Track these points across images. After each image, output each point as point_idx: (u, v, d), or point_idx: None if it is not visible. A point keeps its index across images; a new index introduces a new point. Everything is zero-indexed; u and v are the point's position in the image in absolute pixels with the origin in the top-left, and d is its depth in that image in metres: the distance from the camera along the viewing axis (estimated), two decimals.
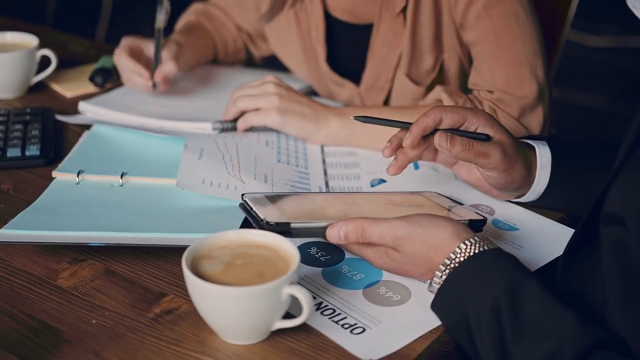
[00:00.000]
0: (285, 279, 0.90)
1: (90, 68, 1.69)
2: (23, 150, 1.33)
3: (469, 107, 1.21)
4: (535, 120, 1.34)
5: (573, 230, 1.16)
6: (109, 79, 1.62)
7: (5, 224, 1.14)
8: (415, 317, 0.99)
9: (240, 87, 1.43)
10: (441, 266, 0.97)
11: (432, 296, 1.00)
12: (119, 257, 1.08)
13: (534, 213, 1.21)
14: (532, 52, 1.34)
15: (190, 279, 0.90)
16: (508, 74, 1.34)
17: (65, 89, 1.62)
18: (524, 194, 1.19)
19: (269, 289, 0.89)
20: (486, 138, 1.12)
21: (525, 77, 1.33)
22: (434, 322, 0.98)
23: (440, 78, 1.50)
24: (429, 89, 1.49)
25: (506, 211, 1.22)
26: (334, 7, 1.55)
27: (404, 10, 1.44)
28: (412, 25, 1.44)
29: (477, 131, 1.13)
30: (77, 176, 1.24)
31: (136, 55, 1.53)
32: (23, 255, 1.09)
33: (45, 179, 1.28)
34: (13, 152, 1.32)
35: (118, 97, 1.57)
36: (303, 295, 0.90)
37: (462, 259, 0.96)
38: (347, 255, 1.10)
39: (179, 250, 0.98)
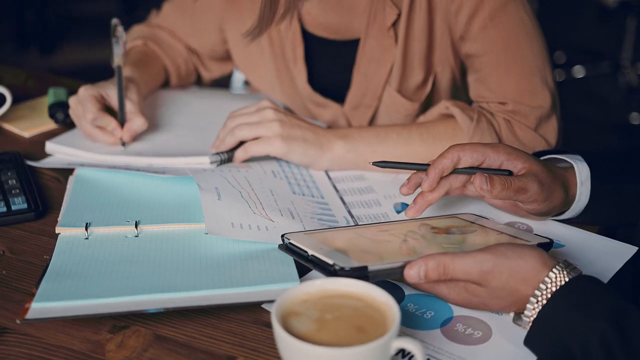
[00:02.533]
0: (393, 332, 0.82)
1: (40, 102, 1.55)
2: (8, 205, 1.18)
3: (487, 143, 1.17)
4: (552, 130, 1.32)
5: (620, 243, 1.14)
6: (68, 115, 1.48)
7: (14, 292, 1.01)
8: (506, 354, 0.93)
9: (233, 115, 1.33)
10: (532, 298, 0.92)
11: (515, 330, 0.95)
12: (164, 320, 0.97)
13: (572, 227, 1.18)
14: (541, 61, 1.31)
15: (292, 343, 0.81)
16: (520, 84, 1.30)
17: (22, 129, 1.47)
18: (563, 212, 1.16)
19: (381, 345, 0.81)
20: (509, 174, 1.09)
21: (538, 86, 1.30)
22: (528, 358, 0.92)
23: (431, 92, 1.45)
24: (424, 104, 1.44)
25: (544, 228, 1.18)
26: (312, 23, 1.47)
27: (394, 24, 1.38)
28: (404, 39, 1.38)
29: (502, 167, 1.10)
30: (86, 230, 1.11)
31: (99, 107, 1.37)
32: (54, 328, 0.96)
33: (41, 235, 1.14)
34: None
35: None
36: (416, 348, 0.83)
37: (553, 288, 0.91)
38: (407, 292, 1.03)
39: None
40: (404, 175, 1.32)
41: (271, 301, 0.95)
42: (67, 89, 1.56)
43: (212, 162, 1.30)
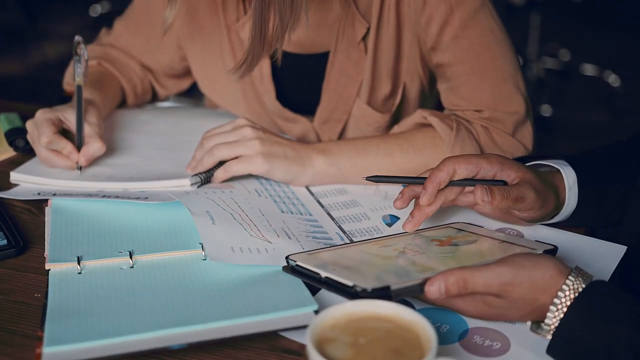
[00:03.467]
0: (433, 353, 0.81)
1: None
2: None
3: (480, 154, 1.17)
4: (528, 135, 1.33)
5: (610, 243, 1.16)
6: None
7: (13, 335, 0.96)
8: None
9: (209, 134, 1.30)
10: (552, 307, 0.93)
11: (533, 339, 0.96)
12: (179, 355, 0.93)
13: (561, 231, 1.20)
14: (512, 67, 1.33)
15: None
16: (494, 91, 1.31)
17: None
18: (552, 217, 1.17)
19: None
20: (503, 184, 1.10)
21: (512, 93, 1.32)
22: None
23: (400, 103, 1.45)
24: (394, 115, 1.44)
25: (535, 233, 1.19)
26: None
27: (364, 37, 1.38)
28: (373, 52, 1.38)
29: (496, 177, 1.11)
30: (78, 264, 1.06)
31: (55, 130, 1.31)
32: None
33: (26, 272, 1.09)
34: None
35: None
36: None
37: (572, 296, 0.92)
38: (417, 306, 1.03)
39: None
40: (385, 187, 1.32)
41: (294, 328, 0.94)
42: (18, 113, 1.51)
43: (192, 184, 1.27)
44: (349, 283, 0.94)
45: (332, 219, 1.23)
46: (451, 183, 1.11)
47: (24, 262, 1.11)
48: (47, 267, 1.06)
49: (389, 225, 1.22)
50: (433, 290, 0.94)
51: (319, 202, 1.28)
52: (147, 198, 1.20)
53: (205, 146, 1.28)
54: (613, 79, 4.14)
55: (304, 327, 0.93)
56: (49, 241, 1.12)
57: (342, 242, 1.16)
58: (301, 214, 1.23)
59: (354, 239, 1.17)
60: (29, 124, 1.33)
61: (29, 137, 1.34)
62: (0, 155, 1.41)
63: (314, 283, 1.00)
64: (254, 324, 0.95)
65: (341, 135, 1.48)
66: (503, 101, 1.31)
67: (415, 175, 1.17)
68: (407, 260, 1.02)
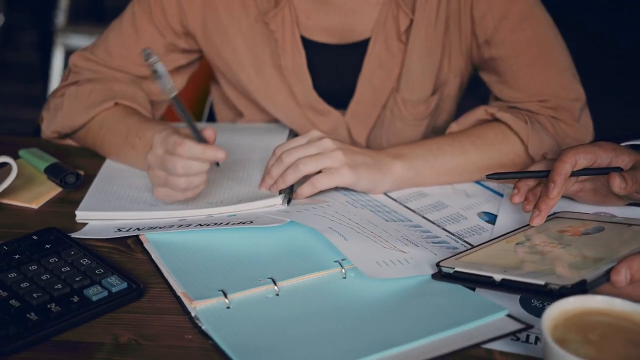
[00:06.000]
0: None
1: (19, 167, 1.35)
2: (105, 288, 1.03)
3: (594, 143, 1.18)
4: (589, 120, 1.38)
5: None
6: (79, 175, 1.32)
7: None
8: None
9: (286, 150, 1.25)
10: None
11: None
12: None
13: None
14: (568, 57, 1.37)
15: None
16: (557, 81, 1.35)
17: (26, 200, 1.28)
18: None
19: None
20: (620, 170, 1.13)
21: (572, 81, 1.36)
22: None
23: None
24: (434, 111, 1.45)
25: (628, 213, 1.23)
26: (313, 28, 1.42)
27: (406, 30, 1.38)
28: (416, 46, 1.38)
29: (611, 164, 1.14)
30: (226, 298, 1.00)
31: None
32: None
33: (159, 314, 1.02)
34: (98, 294, 1.02)
35: (108, 192, 1.28)
36: None
37: None
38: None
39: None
40: (462, 185, 1.33)
41: (499, 337, 0.93)
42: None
43: (283, 202, 1.22)
44: (540, 282, 0.93)
45: (432, 222, 1.22)
46: (572, 173, 1.13)
47: (149, 304, 1.04)
48: (193, 306, 1.00)
49: (490, 222, 1.23)
50: (620, 278, 0.95)
51: (406, 207, 1.26)
52: (252, 222, 1.15)
53: (285, 161, 1.24)
54: None
55: (506, 335, 0.93)
56: (176, 279, 1.05)
57: (466, 245, 1.15)
58: (402, 221, 1.21)
59: (466, 240, 1.17)
60: (151, 156, 1.19)
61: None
62: (46, 194, 1.30)
63: (481, 287, 0.99)
64: (449, 340, 0.92)
65: (372, 131, 1.47)
66: (566, 89, 1.35)
67: (504, 171, 1.21)
68: (564, 254, 1.03)
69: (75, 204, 1.26)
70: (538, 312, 1.00)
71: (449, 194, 1.30)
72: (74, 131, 1.43)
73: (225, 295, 1.00)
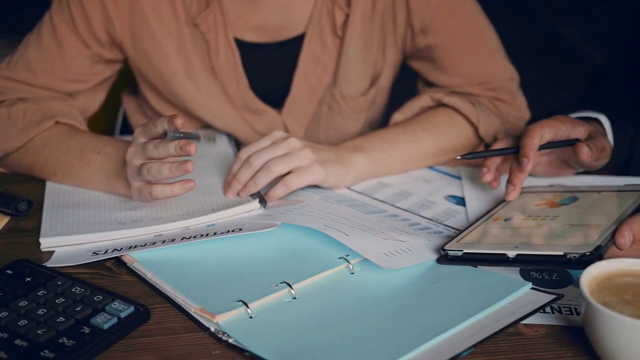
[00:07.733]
0: None
1: None
2: (113, 314, 0.97)
3: (554, 117, 1.22)
4: (523, 99, 1.44)
5: None
6: (32, 202, 1.24)
7: None
8: None
9: (253, 152, 1.22)
10: None
11: None
12: None
13: (602, 176, 1.31)
14: (497, 38, 1.42)
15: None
16: (492, 63, 1.40)
17: None
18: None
19: None
20: (577, 141, 1.19)
21: (505, 62, 1.42)
22: None
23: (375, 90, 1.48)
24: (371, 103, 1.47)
25: (576, 182, 1.29)
26: (244, 28, 1.40)
27: (342, 23, 1.38)
28: (352, 40, 1.39)
29: (570, 136, 1.20)
30: (248, 308, 0.97)
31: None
32: None
33: (175, 334, 0.97)
34: (108, 322, 0.96)
35: (65, 215, 1.21)
36: None
37: None
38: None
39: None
40: (418, 172, 1.35)
41: (532, 313, 0.95)
42: None
43: (261, 207, 1.20)
44: (559, 252, 0.97)
45: (407, 211, 1.23)
46: (540, 147, 1.18)
47: (159, 325, 0.98)
48: (215, 320, 0.96)
49: (459, 204, 1.26)
50: (625, 241, 1.00)
51: (374, 199, 1.27)
52: (241, 230, 1.12)
53: (254, 164, 1.21)
54: None
55: (543, 307, 0.96)
56: (185, 296, 1.00)
57: (448, 229, 1.17)
58: (379, 212, 1.22)
59: (445, 224, 1.19)
60: (131, 152, 1.14)
61: (133, 166, 1.14)
62: None
63: (494, 264, 1.02)
64: (492, 317, 0.94)
65: (308, 128, 1.47)
66: (502, 70, 1.41)
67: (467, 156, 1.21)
68: (559, 225, 1.08)
69: (29, 232, 1.18)
70: (539, 283, 1.02)
71: (408, 182, 1.33)
72: (6, 155, 1.33)
73: (246, 305, 0.97)
